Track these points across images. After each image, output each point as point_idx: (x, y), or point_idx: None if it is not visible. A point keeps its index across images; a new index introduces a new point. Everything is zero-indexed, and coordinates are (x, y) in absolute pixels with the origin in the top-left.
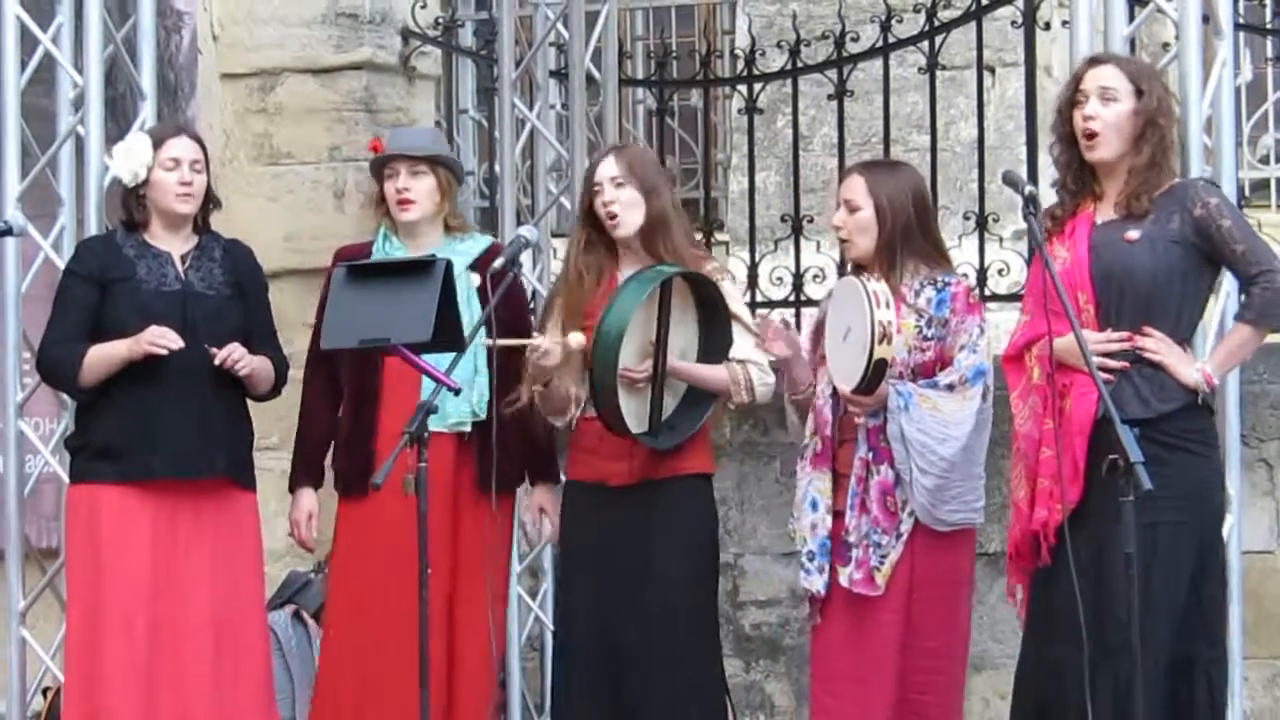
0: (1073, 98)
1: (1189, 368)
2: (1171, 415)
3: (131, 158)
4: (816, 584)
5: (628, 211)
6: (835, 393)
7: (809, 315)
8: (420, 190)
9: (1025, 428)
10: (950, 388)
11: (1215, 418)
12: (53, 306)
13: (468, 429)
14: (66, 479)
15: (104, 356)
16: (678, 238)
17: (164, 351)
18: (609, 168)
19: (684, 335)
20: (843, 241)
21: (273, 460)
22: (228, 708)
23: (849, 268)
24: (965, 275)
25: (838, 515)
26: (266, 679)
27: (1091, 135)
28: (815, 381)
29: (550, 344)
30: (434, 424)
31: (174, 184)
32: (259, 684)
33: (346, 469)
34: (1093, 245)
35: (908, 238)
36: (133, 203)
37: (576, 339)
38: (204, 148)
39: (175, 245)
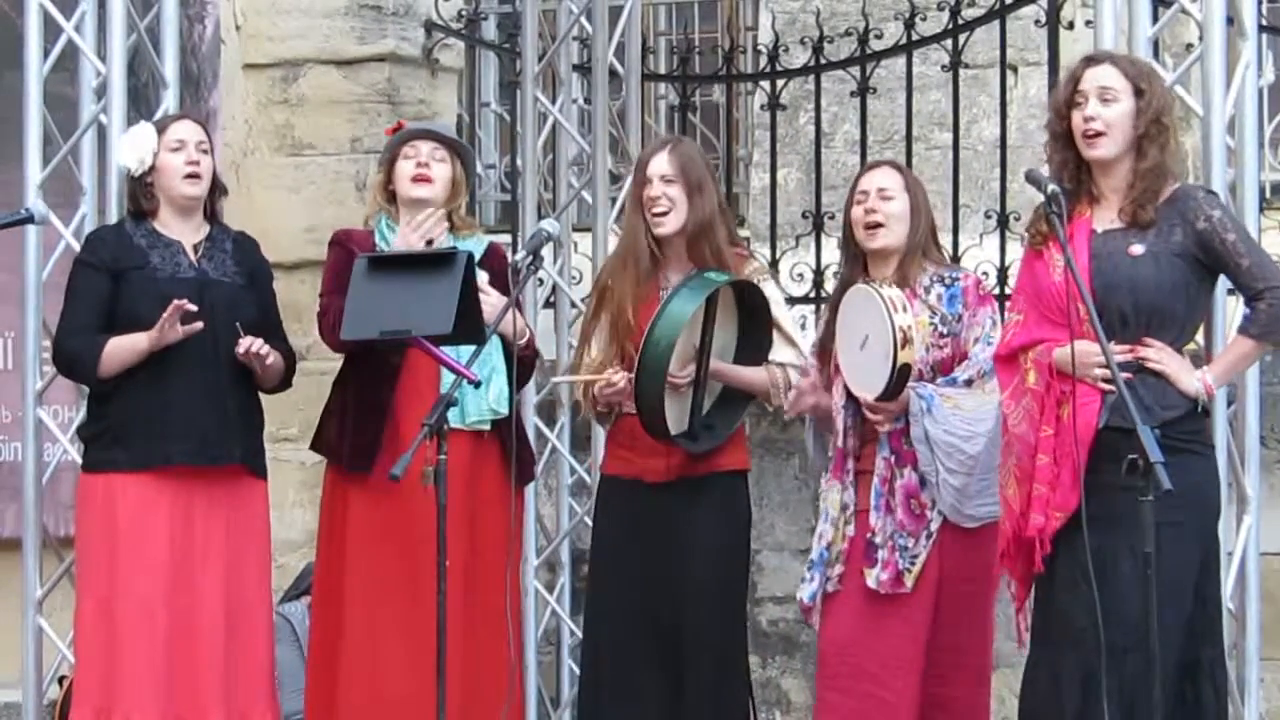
0: (1071, 98)
1: (1190, 376)
2: (1174, 421)
3: (137, 145)
4: (804, 592)
5: (673, 211)
6: (849, 401)
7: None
8: (439, 173)
9: (1019, 429)
10: (969, 383)
11: (1222, 418)
12: (65, 297)
13: (487, 428)
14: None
15: (124, 348)
16: (720, 241)
17: (180, 333)
18: (660, 164)
19: (724, 335)
20: (871, 228)
21: (291, 451)
22: (238, 695)
23: (841, 266)
24: (985, 275)
25: (861, 515)
26: (270, 667)
27: (1092, 135)
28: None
29: (622, 380)
30: (453, 421)
31: (180, 165)
32: (264, 671)
33: (354, 444)
34: (1094, 255)
35: (927, 240)
36: (140, 191)
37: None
38: (209, 133)
39: (186, 234)
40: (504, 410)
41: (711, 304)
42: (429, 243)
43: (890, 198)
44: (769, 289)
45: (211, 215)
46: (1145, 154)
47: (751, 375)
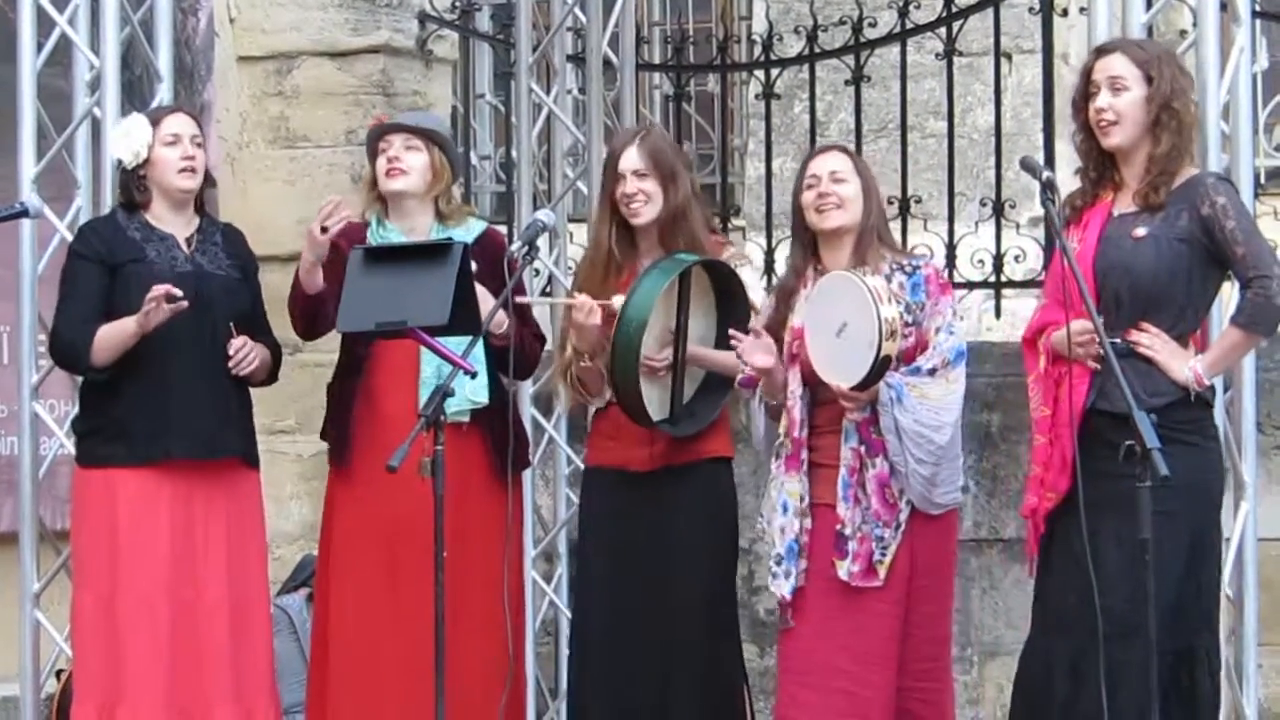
0: (1085, 89)
1: (1181, 364)
2: (1162, 410)
3: (131, 138)
4: (783, 588)
5: (648, 203)
6: (806, 392)
7: None
8: (412, 163)
9: (1038, 414)
10: (933, 372)
11: (1219, 404)
12: (61, 290)
13: (466, 419)
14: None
15: (115, 332)
16: (695, 228)
17: (165, 311)
18: (631, 159)
19: (702, 321)
20: (824, 211)
21: (288, 444)
22: (243, 688)
23: (791, 254)
24: (981, 263)
25: (819, 508)
26: (271, 658)
27: (1105, 125)
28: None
29: (593, 302)
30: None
31: (177, 159)
32: (266, 663)
33: (336, 436)
34: (1102, 238)
35: (880, 224)
36: (133, 183)
37: (619, 300)
38: (201, 125)
39: (178, 227)
40: (483, 400)
41: (685, 287)
42: (324, 230)
43: (842, 180)
44: (745, 274)
45: (200, 207)
46: (1159, 140)
47: (728, 359)
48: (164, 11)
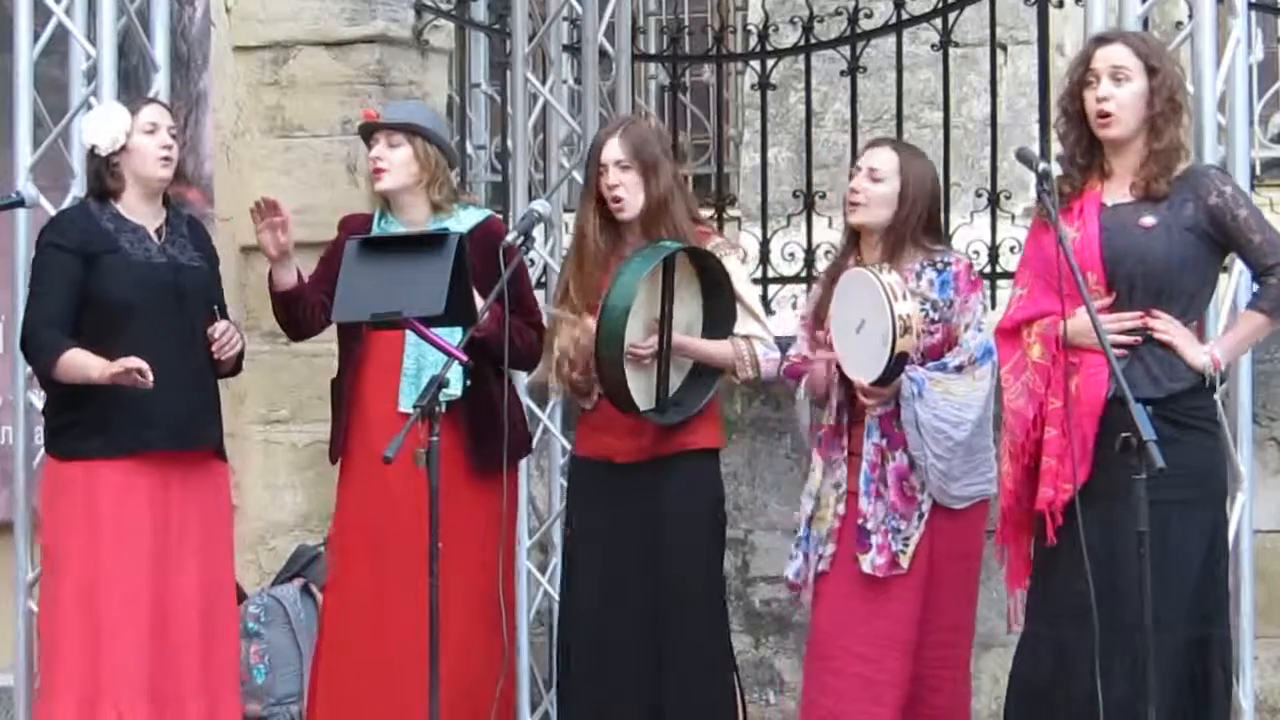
0: (1083, 78)
1: (1197, 349)
2: (1181, 395)
3: (109, 125)
4: (789, 570)
5: (631, 195)
6: (841, 379)
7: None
8: (394, 160)
9: (1016, 404)
10: (959, 369)
11: (1216, 396)
12: (33, 280)
13: (442, 409)
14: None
15: (78, 366)
16: (679, 218)
17: (131, 381)
18: (613, 150)
19: (689, 310)
20: (852, 205)
21: (283, 433)
22: (210, 680)
23: (841, 242)
24: (976, 254)
25: (850, 496)
26: (236, 650)
27: (1105, 115)
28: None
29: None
30: (404, 406)
31: (156, 149)
32: (232, 655)
33: (333, 436)
34: (1104, 227)
35: (917, 225)
36: (106, 171)
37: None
38: (174, 117)
39: (148, 218)
40: (456, 392)
41: (669, 275)
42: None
43: (879, 180)
44: (731, 263)
45: (166, 199)
46: (1161, 133)
47: (715, 348)
48: (160, 1)
